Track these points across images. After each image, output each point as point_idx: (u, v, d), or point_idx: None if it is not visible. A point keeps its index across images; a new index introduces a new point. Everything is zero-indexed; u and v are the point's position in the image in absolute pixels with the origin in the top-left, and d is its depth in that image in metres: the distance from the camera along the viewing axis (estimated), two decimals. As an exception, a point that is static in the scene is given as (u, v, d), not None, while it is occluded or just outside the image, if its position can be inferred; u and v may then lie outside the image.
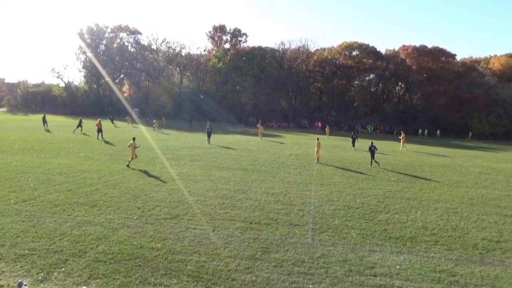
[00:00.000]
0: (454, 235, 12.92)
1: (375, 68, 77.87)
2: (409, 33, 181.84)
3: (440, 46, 74.91)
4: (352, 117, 75.63)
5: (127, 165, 22.50)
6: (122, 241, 11.03)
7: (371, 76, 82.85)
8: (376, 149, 27.45)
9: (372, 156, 27.11)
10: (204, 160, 26.20)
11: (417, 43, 75.69)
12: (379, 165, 26.80)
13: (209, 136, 37.34)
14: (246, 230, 12.46)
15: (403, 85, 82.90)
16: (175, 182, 18.95)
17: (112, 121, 56.59)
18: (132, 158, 23.16)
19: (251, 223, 13.22)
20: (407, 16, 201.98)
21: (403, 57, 76.02)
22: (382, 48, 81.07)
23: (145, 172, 20.98)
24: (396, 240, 12.24)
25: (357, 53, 79.38)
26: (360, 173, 24.09)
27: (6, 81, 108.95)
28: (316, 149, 27.86)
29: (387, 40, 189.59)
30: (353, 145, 38.75)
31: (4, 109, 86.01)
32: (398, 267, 10.24)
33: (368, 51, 77.90)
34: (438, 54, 74.11)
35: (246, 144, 37.47)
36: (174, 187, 17.80)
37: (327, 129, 57.56)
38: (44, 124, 44.51)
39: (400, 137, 42.04)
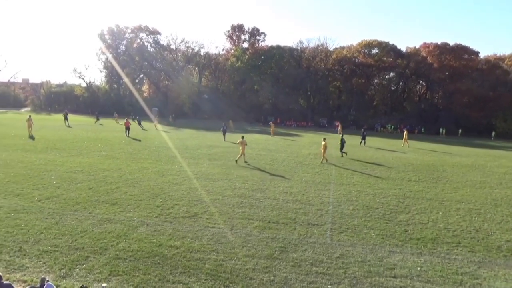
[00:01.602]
0: (477, 237, 12.61)
1: (395, 67, 76.64)
2: (430, 31, 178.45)
3: (463, 43, 73.31)
4: (372, 116, 74.68)
5: (236, 161, 24.69)
6: (142, 239, 11.16)
7: (391, 74, 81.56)
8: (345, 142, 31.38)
9: (364, 139, 32.39)
10: (222, 159, 26.30)
11: (439, 41, 74.24)
12: (346, 155, 30.23)
13: (224, 134, 39.23)
14: (264, 229, 12.45)
15: (424, 84, 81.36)
16: (193, 181, 19.08)
17: (139, 123, 53.95)
18: (241, 155, 25.09)
19: (269, 222, 13.20)
20: (428, 13, 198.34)
21: (424, 55, 74.60)
22: (402, 46, 79.90)
23: (164, 171, 21.20)
24: (417, 241, 12.02)
25: (376, 51, 78.28)
26: (380, 172, 23.78)
27: (30, 81, 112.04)
28: (322, 150, 26.93)
29: (407, 37, 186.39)
30: (364, 142, 40.22)
31: (28, 108, 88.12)
32: (419, 268, 10.05)
33: (388, 49, 76.74)
34: (461, 51, 72.45)
35: (264, 143, 37.46)
36: (193, 186, 17.93)
37: (339, 127, 57.89)
38: (65, 120, 48.10)
39: (404, 134, 43.34)
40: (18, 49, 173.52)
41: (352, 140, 44.40)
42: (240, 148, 25.44)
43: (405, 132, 43.02)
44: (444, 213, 15.28)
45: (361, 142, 40.28)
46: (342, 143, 31.03)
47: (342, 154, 30.42)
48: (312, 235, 12.13)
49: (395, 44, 77.63)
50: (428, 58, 73.43)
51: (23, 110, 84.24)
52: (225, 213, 14.03)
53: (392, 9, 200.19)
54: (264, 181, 19.83)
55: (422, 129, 68.72)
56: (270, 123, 52.25)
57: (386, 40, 78.00)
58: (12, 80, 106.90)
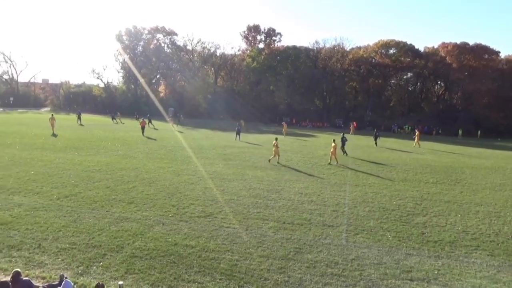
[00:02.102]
0: (497, 240, 12.34)
1: (413, 67, 75.62)
2: (449, 30, 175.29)
3: (483, 43, 71.88)
4: (389, 117, 73.82)
5: (269, 160, 25.41)
6: (158, 237, 11.27)
7: (409, 74, 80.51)
8: (346, 140, 32.08)
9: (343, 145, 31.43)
10: (237, 159, 26.37)
11: (458, 40, 72.99)
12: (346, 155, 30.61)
13: (238, 133, 39.75)
14: (279, 230, 12.43)
15: (442, 84, 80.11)
16: (208, 181, 19.17)
17: (149, 122, 54.36)
18: (274, 155, 25.70)
19: (284, 223, 13.17)
20: (447, 13, 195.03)
21: (442, 54, 73.42)
22: (420, 46, 78.24)
23: (180, 171, 21.36)
24: (434, 244, 11.83)
25: (394, 51, 77.37)
26: (397, 174, 23.49)
27: (50, 81, 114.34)
28: (331, 151, 26.56)
29: (425, 37, 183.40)
30: (375, 143, 40.41)
31: (48, 108, 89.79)
32: (436, 272, 9.89)
33: (406, 49, 75.76)
34: (481, 51, 71.04)
35: (280, 144, 37.27)
36: (208, 186, 18.01)
37: (351, 127, 58.09)
38: (78, 119, 51.47)
39: (414, 136, 43.80)
40: (38, 50, 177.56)
41: (369, 141, 44.06)
42: (274, 149, 25.92)
43: (417, 133, 43.07)
44: (462, 215, 15.01)
45: (376, 143, 40.59)
46: (343, 141, 31.51)
47: (343, 153, 30.89)
48: (327, 236, 12.06)
49: (413, 44, 76.55)
50: (447, 58, 72.23)
51: (43, 110, 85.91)
52: (240, 213, 14.06)
53: (410, 9, 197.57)
54: (279, 181, 19.80)
55: (440, 130, 67.65)
56: (283, 123, 52.41)
57: (404, 40, 77.08)
58: (32, 80, 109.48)
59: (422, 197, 17.71)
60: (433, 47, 77.33)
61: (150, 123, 53.27)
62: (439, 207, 16.10)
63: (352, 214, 14.54)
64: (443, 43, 74.84)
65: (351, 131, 56.35)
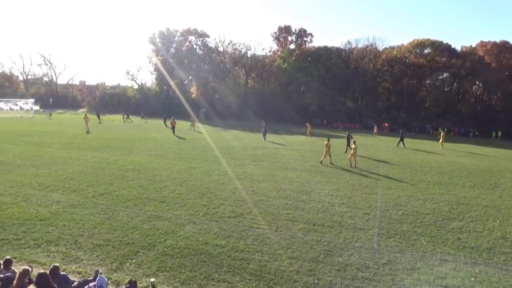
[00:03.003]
0: (539, 248, 11.75)
1: (449, 67, 73.32)
2: (488, 29, 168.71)
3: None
4: (423, 118, 71.84)
5: (321, 162, 25.60)
6: (188, 236, 11.42)
7: (445, 75, 78.11)
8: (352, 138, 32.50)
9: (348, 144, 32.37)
10: (267, 160, 26.37)
11: (497, 39, 70.23)
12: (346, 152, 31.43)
13: (264, 134, 40.72)
14: (309, 232, 12.32)
15: (480, 84, 77.23)
16: (239, 181, 19.26)
17: (164, 121, 56.94)
18: (325, 156, 26.18)
19: (314, 225, 13.04)
20: (485, 10, 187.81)
21: (481, 54, 70.82)
22: (457, 45, 76.38)
23: (211, 171, 21.58)
24: (471, 250, 11.40)
25: (429, 51, 75.29)
26: (432, 177, 22.81)
27: (87, 83, 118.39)
28: (352, 152, 26.01)
29: (462, 36, 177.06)
30: (403, 144, 40.00)
31: (85, 109, 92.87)
32: (472, 279, 9.52)
33: (442, 48, 73.57)
34: (522, 49, 68.17)
35: (310, 145, 37.13)
36: (238, 187, 18.10)
37: (375, 128, 58.19)
38: (98, 118, 58.23)
39: (439, 136, 43.36)
40: (76, 53, 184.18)
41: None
42: (325, 149, 26.45)
43: (442, 134, 42.70)
44: (501, 221, 14.38)
45: (398, 143, 40.28)
46: (348, 139, 33.18)
47: (346, 150, 32.43)
48: (358, 240, 11.85)
49: (449, 43, 74.28)
50: (485, 57, 69.66)
51: (80, 110, 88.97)
52: (270, 214, 14.04)
53: (446, 7, 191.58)
54: (310, 183, 19.65)
55: (476, 132, 65.33)
56: (307, 124, 52.53)
57: (440, 39, 74.91)
58: (70, 82, 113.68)
59: (458, 201, 17.12)
60: (471, 46, 74.78)
61: (165, 122, 55.73)
62: (476, 212, 15.51)
63: (384, 218, 14.22)
64: (482, 42, 72.25)
65: (375, 132, 57.28)
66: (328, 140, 27.05)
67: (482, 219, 14.60)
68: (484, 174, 24.73)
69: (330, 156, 26.30)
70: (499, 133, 61.24)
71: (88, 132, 39.87)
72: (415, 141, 45.16)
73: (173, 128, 43.25)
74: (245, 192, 17.03)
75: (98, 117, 59.82)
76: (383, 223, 13.53)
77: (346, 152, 32.39)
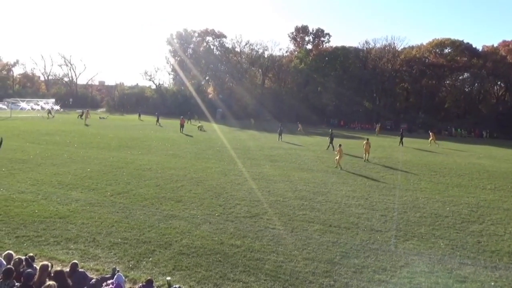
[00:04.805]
0: None
1: (470, 67, 71.90)
2: (511, 28, 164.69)
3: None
4: (442, 119, 70.64)
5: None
6: (204, 236, 11.48)
7: (465, 75, 76.65)
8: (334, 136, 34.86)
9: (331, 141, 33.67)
10: (284, 161, 26.32)
11: (521, 38, 68.52)
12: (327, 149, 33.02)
13: (280, 134, 41.13)
14: (324, 233, 12.25)
15: (502, 85, 75.50)
16: (255, 181, 19.27)
17: (157, 120, 55.83)
18: (365, 153, 28.09)
19: (330, 226, 12.96)
20: (508, 9, 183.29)
21: (503, 53, 69.30)
22: (478, 45, 74.85)
23: (227, 171, 21.65)
24: (491, 253, 11.15)
25: (449, 50, 74.02)
26: (451, 179, 22.41)
27: (106, 83, 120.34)
28: (364, 148, 28.18)
29: (484, 35, 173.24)
30: (401, 143, 40.51)
31: (103, 109, 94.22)
32: (492, 283, 9.31)
33: (462, 48, 72.21)
34: (546, 49, 66.44)
35: (326, 146, 36.87)
36: (254, 187, 18.11)
37: (377, 127, 58.47)
38: (101, 118, 61.14)
39: (430, 138, 43.48)
40: (96, 54, 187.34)
41: (420, 145, 42.48)
42: (364, 147, 28.07)
43: (431, 134, 43.86)
44: (523, 225, 14.04)
45: (400, 143, 40.72)
46: (332, 137, 34.41)
47: (328, 147, 33.59)
48: (375, 242, 11.72)
49: (470, 42, 72.94)
50: (507, 57, 68.15)
51: (99, 110, 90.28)
52: (286, 214, 14.00)
53: (468, 6, 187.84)
54: (326, 184, 19.53)
55: (494, 134, 63.98)
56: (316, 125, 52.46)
57: (460, 39, 73.54)
58: (90, 82, 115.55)
59: (478, 204, 16.77)
60: (493, 45, 73.32)
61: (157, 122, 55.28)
62: (497, 215, 15.17)
63: (402, 220, 14.03)
64: (504, 42, 70.80)
65: (376, 131, 57.61)
66: (368, 139, 28.70)
67: (503, 222, 14.27)
68: (505, 176, 24.17)
69: (368, 153, 28.16)
70: None
71: (86, 125, 46.42)
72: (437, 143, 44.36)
73: (181, 126, 45.30)
74: (260, 193, 17.03)
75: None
76: (401, 225, 13.35)
77: (327, 149, 33.55)
